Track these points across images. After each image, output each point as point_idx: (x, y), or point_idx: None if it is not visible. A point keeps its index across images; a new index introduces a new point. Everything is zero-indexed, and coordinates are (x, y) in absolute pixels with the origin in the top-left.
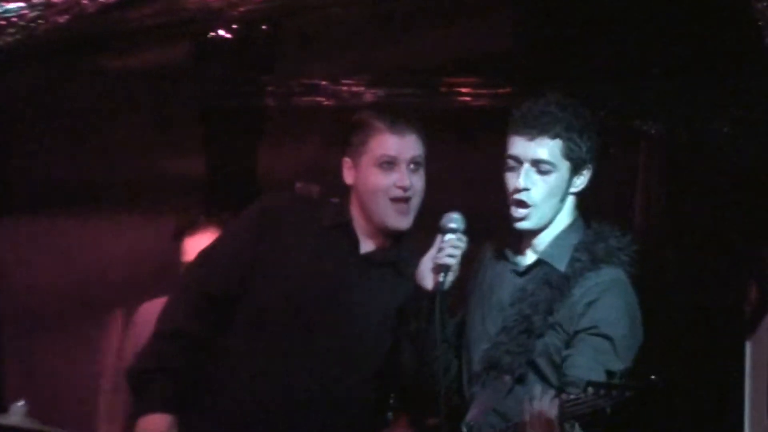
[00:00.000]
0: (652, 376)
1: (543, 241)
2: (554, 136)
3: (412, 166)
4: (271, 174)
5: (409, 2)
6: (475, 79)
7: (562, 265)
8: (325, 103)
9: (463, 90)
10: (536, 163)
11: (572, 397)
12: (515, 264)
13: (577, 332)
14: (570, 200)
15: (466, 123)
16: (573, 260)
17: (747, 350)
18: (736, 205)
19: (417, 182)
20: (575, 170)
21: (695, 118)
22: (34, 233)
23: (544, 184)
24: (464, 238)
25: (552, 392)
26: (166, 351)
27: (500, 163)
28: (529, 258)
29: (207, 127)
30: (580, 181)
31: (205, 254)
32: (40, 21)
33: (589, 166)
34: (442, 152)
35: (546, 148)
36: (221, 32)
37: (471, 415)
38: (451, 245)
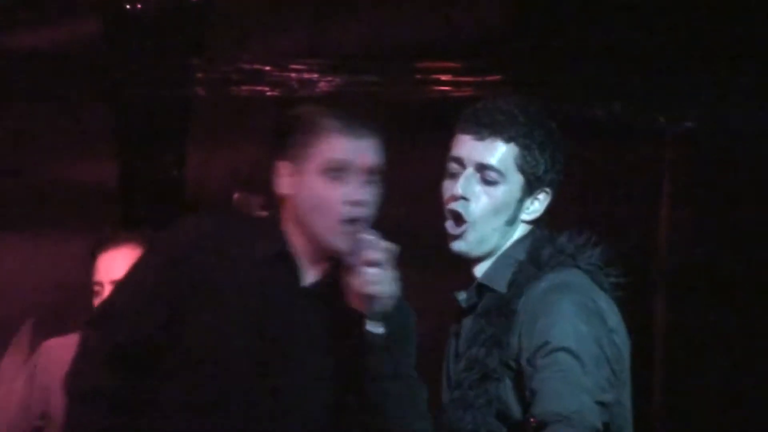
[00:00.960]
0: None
1: (484, 265)
2: (508, 140)
3: (368, 177)
4: (201, 181)
5: None
6: (457, 65)
7: (503, 286)
8: (269, 93)
9: (443, 78)
10: (481, 169)
11: None
12: (459, 299)
13: (532, 359)
14: (521, 229)
15: (446, 116)
16: (515, 275)
17: None
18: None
19: (372, 198)
20: (529, 189)
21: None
22: None
23: (487, 197)
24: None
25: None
26: (87, 416)
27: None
28: (469, 290)
29: (121, 122)
30: (534, 207)
31: (111, 300)
32: None
33: (547, 190)
34: (415, 151)
35: (496, 152)
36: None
37: None
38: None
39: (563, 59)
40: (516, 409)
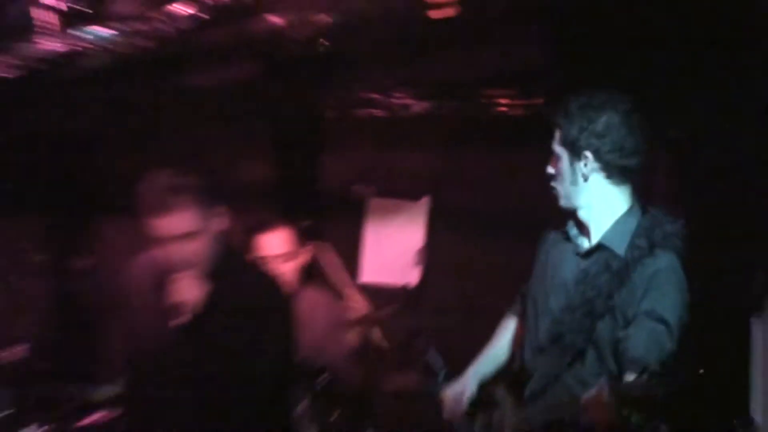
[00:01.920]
0: (701, 370)
1: (603, 225)
2: (556, 127)
3: None
4: (331, 178)
5: (448, 24)
6: (511, 91)
7: (621, 250)
8: (378, 114)
9: (501, 101)
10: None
11: (628, 381)
12: (578, 245)
13: (635, 316)
14: (625, 188)
15: (504, 131)
16: (632, 246)
17: (753, 331)
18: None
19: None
20: (575, 155)
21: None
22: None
23: (555, 170)
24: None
25: (607, 376)
26: None
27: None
28: (590, 241)
29: (276, 136)
30: (589, 167)
31: None
32: (128, 45)
33: (586, 153)
34: (485, 156)
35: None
36: (286, 52)
37: (533, 383)
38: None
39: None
40: (603, 344)
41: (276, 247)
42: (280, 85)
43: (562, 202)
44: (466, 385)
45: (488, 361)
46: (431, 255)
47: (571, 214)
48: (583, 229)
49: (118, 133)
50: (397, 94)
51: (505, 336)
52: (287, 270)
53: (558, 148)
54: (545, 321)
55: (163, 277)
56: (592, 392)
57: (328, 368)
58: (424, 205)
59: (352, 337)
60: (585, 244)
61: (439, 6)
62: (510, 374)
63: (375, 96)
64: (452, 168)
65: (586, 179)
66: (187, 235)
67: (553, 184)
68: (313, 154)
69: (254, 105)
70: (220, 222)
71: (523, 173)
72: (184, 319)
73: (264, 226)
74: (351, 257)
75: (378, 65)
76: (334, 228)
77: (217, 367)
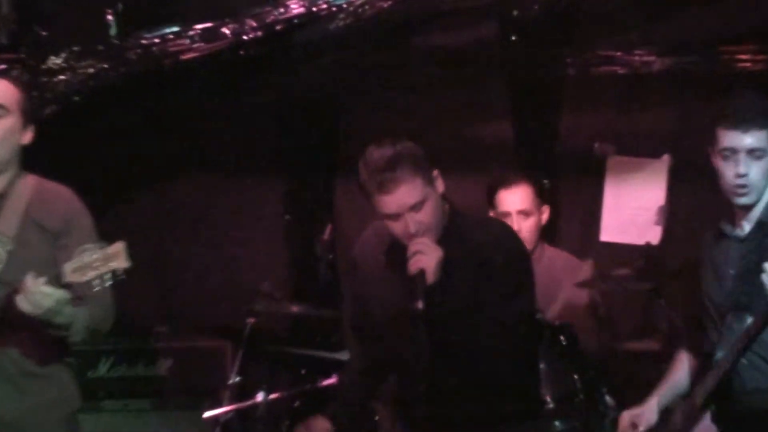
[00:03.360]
0: None
1: (758, 208)
2: (761, 127)
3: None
4: (571, 136)
5: None
6: (752, 46)
7: None
8: (620, 71)
9: (742, 56)
10: (751, 152)
11: None
12: (737, 234)
13: None
14: None
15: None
16: None
17: None
18: None
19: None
20: None
21: None
22: None
23: (758, 168)
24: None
25: None
26: None
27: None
28: (747, 225)
29: (515, 95)
30: None
31: None
32: (366, 6)
33: None
34: None
35: (758, 138)
36: (527, 11)
37: (721, 355)
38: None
39: None
40: None
41: (517, 203)
42: (520, 44)
43: (752, 199)
44: (645, 413)
45: (669, 392)
46: (671, 214)
47: (737, 208)
48: (738, 220)
49: (357, 97)
50: (638, 52)
51: (683, 367)
52: (527, 227)
53: (764, 146)
54: (718, 298)
55: (396, 247)
56: None
57: (571, 329)
58: (664, 163)
59: (589, 297)
60: (744, 229)
61: None
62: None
63: (616, 54)
64: (693, 125)
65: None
66: (415, 206)
67: (746, 183)
68: (553, 112)
69: (495, 64)
70: (440, 185)
71: None
72: (425, 285)
73: (505, 182)
74: (590, 217)
75: (619, 22)
76: (574, 187)
77: (467, 325)
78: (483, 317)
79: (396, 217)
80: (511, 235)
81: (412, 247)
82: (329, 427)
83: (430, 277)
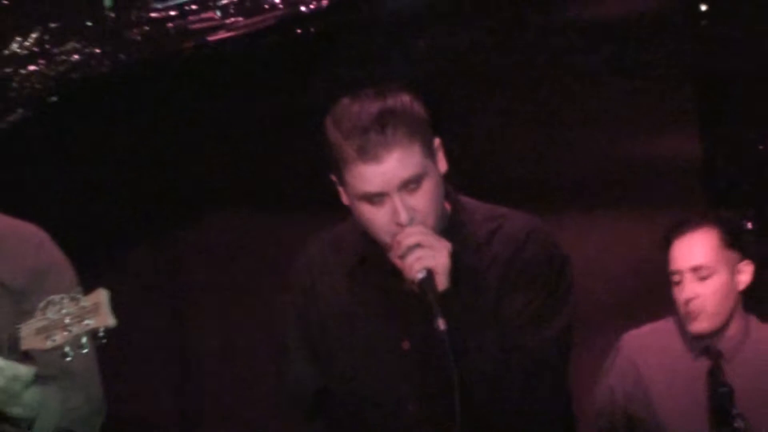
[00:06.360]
0: None
1: None
2: None
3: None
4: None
5: None
6: None
7: None
8: None
9: None
10: None
11: None
12: None
13: None
14: None
15: None
16: None
17: None
18: None
19: (419, 204)
20: None
21: None
22: None
23: None
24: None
25: None
26: None
27: None
28: None
29: (704, 101)
30: None
31: None
32: None
33: None
34: None
35: None
36: None
37: None
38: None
39: None
40: None
41: (689, 257)
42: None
43: None
44: None
45: None
46: None
47: None
48: None
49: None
50: None
51: None
52: (707, 291)
53: None
54: None
55: (371, 257)
56: None
57: None
58: None
59: None
60: None
61: None
62: None
63: None
64: None
65: None
66: (409, 182)
67: None
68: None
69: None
70: (442, 161)
71: None
72: (438, 293)
73: (679, 228)
74: None
75: None
76: None
77: (491, 358)
78: (507, 342)
79: (379, 198)
80: (540, 230)
81: (405, 240)
82: None
83: (443, 280)
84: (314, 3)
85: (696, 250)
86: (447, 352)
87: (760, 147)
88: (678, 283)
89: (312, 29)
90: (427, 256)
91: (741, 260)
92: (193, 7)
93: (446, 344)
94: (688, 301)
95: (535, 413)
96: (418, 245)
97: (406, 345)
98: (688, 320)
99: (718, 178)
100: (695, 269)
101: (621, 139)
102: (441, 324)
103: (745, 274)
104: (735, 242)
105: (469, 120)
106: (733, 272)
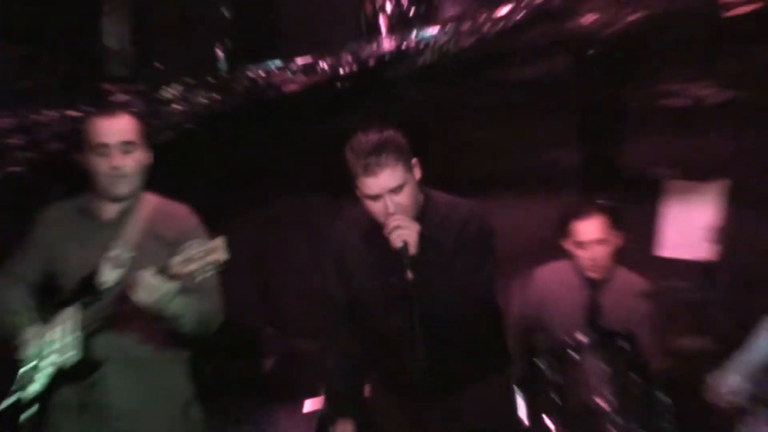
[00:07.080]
0: None
1: None
2: None
3: (391, 196)
4: (632, 163)
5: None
6: None
7: None
8: (678, 104)
9: None
10: None
11: None
12: None
13: None
14: None
15: None
16: None
17: None
18: None
19: (403, 202)
20: None
21: None
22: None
23: None
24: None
25: None
26: None
27: None
28: None
29: (582, 124)
30: None
31: None
32: (450, 44)
33: None
34: None
35: None
36: (593, 49)
37: None
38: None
39: None
40: None
41: (593, 233)
42: (589, 79)
43: None
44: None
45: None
46: (727, 234)
47: None
48: None
49: (438, 127)
50: (697, 86)
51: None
52: (603, 254)
53: None
54: None
55: (375, 231)
56: None
57: (633, 336)
58: (719, 186)
59: (651, 308)
60: None
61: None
62: None
63: (676, 87)
64: (749, 153)
65: None
66: (396, 189)
67: None
68: (618, 140)
69: (564, 97)
70: (417, 172)
71: None
72: (410, 256)
73: (579, 213)
74: (650, 233)
75: (679, 59)
76: (635, 207)
77: (444, 294)
78: (457, 286)
79: (377, 197)
80: (479, 214)
81: (391, 223)
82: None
83: (412, 248)
84: (348, 67)
85: (596, 227)
86: (412, 294)
87: (614, 159)
88: (583, 248)
89: (347, 84)
90: (404, 234)
91: (616, 231)
92: (274, 69)
93: (411, 288)
94: (593, 259)
95: (475, 327)
96: (398, 227)
97: (392, 280)
98: (587, 269)
99: (593, 178)
100: (599, 241)
101: (524, 151)
102: (409, 274)
103: (619, 239)
104: (613, 221)
105: (438, 144)
106: (614, 240)
